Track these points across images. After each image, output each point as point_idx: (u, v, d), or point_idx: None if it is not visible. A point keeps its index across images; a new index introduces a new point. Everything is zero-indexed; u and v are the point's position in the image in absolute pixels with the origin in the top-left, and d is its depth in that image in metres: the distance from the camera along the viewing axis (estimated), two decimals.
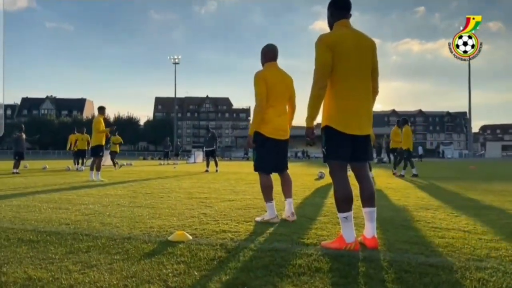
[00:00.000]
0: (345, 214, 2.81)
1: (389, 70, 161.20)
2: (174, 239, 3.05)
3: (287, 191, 4.04)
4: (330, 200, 5.59)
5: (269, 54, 4.04)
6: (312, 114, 2.88)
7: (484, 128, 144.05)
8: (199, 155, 30.59)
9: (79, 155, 16.07)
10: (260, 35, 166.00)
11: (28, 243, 2.93)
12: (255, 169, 4.02)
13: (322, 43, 2.85)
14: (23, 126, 14.56)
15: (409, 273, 2.28)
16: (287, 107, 4.06)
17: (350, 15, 3.01)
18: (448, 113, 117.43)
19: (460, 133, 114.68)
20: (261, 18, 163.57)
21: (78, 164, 15.81)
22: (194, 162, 27.87)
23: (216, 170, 13.92)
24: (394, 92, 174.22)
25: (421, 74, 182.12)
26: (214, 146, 14.92)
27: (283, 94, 3.95)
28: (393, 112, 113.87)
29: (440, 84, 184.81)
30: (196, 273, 2.27)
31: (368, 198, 2.92)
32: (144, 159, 42.32)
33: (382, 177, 11.07)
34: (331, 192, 6.80)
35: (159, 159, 36.21)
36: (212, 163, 14.73)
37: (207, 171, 13.98)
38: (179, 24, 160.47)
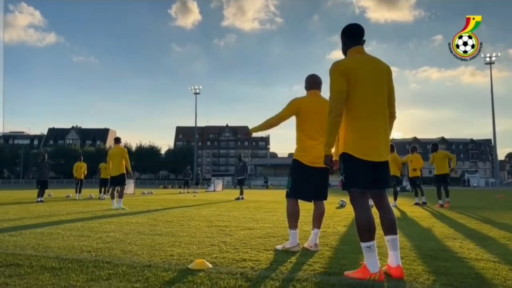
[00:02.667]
0: (368, 244, 2.72)
1: (409, 98, 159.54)
2: (194, 267, 3.02)
3: (317, 221, 4.00)
4: (352, 229, 5.47)
5: (309, 82, 4.12)
6: (329, 141, 2.86)
7: (510, 156, 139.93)
8: (218, 184, 30.64)
9: (102, 183, 16.28)
10: (278, 64, 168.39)
11: (50, 270, 2.95)
12: (287, 195, 4.00)
13: (336, 70, 2.84)
14: (46, 154, 14.76)
15: None
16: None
17: (364, 41, 3.01)
18: (472, 141, 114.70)
19: (486, 161, 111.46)
20: (279, 49, 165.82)
21: (101, 192, 16.00)
22: (214, 191, 27.89)
23: (242, 198, 14.65)
24: (414, 119, 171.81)
25: (442, 101, 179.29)
26: (244, 175, 15.55)
27: (321, 122, 3.91)
28: (415, 139, 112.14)
29: (462, 111, 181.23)
30: None
31: (390, 225, 2.84)
32: (164, 187, 42.59)
33: (406, 206, 10.79)
34: (353, 221, 6.66)
35: (179, 187, 36.39)
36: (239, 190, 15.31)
37: (242, 198, 14.64)
38: (200, 56, 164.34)
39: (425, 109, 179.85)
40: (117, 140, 10.59)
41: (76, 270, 2.95)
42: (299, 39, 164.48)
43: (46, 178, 13.51)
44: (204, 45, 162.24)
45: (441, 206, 10.40)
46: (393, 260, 2.78)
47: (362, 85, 2.82)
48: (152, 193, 22.00)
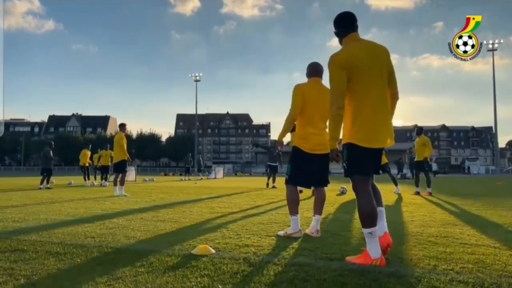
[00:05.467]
0: (370, 230, 2.76)
1: (410, 86, 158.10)
2: (197, 252, 3.05)
3: (318, 207, 4.02)
4: (353, 216, 5.51)
5: (311, 70, 4.08)
6: (334, 135, 2.87)
7: (511, 143, 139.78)
8: (219, 171, 30.76)
9: (102, 171, 16.34)
10: (278, 52, 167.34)
11: (55, 256, 2.99)
12: (287, 182, 4.02)
13: (334, 63, 2.84)
14: (52, 143, 14.86)
15: None
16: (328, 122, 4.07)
17: (357, 26, 2.99)
18: (473, 128, 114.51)
19: (486, 149, 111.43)
20: (279, 36, 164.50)
21: (102, 179, 16.06)
22: (215, 178, 27.98)
23: (274, 186, 13.70)
24: (415, 107, 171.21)
25: (443, 89, 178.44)
26: (278, 163, 14.89)
27: (322, 110, 3.91)
28: (415, 126, 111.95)
29: (463, 98, 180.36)
30: (220, 287, 2.26)
31: (378, 199, 3.04)
32: (165, 175, 42.72)
33: (406, 193, 10.82)
34: (354, 208, 6.69)
35: (180, 174, 36.49)
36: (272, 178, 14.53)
37: (274, 187, 13.66)
38: (200, 43, 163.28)
39: (425, 96, 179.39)
40: (120, 126, 10.55)
41: (80, 255, 2.99)
42: (299, 26, 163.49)
43: (51, 166, 13.69)
44: (203, 32, 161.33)
45: (418, 193, 10.02)
46: (380, 229, 2.93)
47: (361, 73, 2.81)
48: (153, 180, 22.08)
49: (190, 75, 66.54)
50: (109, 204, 7.13)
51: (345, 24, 2.98)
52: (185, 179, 24.01)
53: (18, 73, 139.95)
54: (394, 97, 3.05)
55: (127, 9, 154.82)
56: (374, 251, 2.72)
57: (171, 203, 7.38)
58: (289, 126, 3.99)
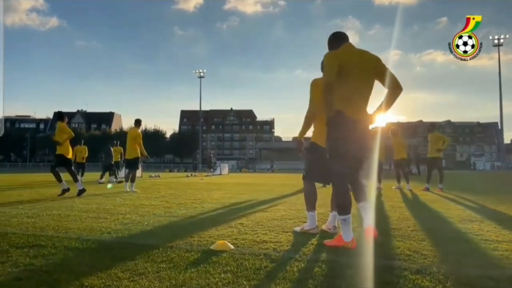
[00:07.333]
0: (343, 217, 3.18)
1: (414, 81, 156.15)
2: (216, 248, 3.03)
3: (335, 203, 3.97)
4: None
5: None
6: (327, 101, 3.17)
7: None
8: (224, 167, 30.75)
9: (114, 166, 16.33)
10: (281, 48, 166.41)
11: (74, 251, 2.97)
12: (304, 178, 3.98)
13: (330, 54, 3.32)
14: (114, 141, 16.13)
15: (469, 286, 2.17)
16: None
17: (347, 38, 3.48)
18: (479, 124, 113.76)
19: (492, 145, 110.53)
20: (282, 32, 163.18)
21: (110, 176, 16.04)
22: (220, 174, 27.97)
23: None
24: (419, 102, 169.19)
25: (447, 84, 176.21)
26: None
27: None
28: (420, 122, 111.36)
29: (468, 94, 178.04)
30: (245, 283, 2.23)
31: (362, 194, 3.42)
32: (170, 171, 42.77)
33: (415, 189, 10.76)
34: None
35: (185, 171, 36.54)
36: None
37: None
38: (203, 39, 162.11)
39: (430, 92, 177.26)
40: (136, 122, 10.48)
41: (100, 251, 2.97)
42: (302, 22, 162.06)
43: (111, 162, 15.01)
44: (206, 29, 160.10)
45: (427, 189, 9.88)
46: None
47: (347, 68, 3.21)
48: (159, 176, 22.11)
49: (194, 72, 66.54)
50: (120, 200, 7.12)
51: (342, 38, 3.46)
52: (190, 175, 24.04)
53: (23, 70, 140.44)
54: (397, 88, 3.28)
55: (130, 5, 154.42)
56: (346, 235, 3.14)
57: (182, 199, 7.36)
58: (310, 123, 3.88)
